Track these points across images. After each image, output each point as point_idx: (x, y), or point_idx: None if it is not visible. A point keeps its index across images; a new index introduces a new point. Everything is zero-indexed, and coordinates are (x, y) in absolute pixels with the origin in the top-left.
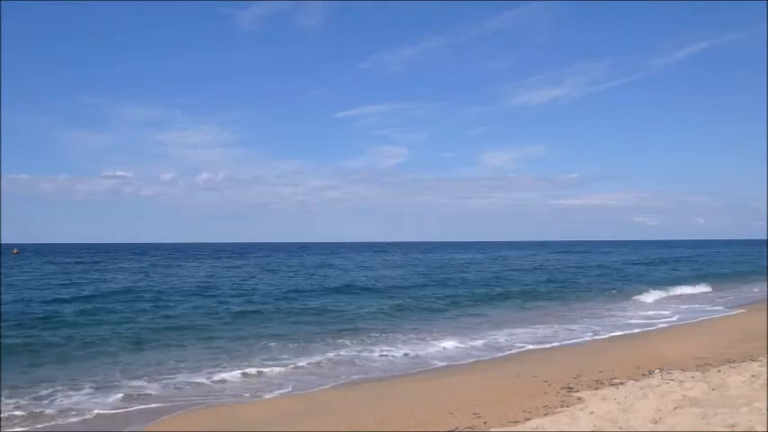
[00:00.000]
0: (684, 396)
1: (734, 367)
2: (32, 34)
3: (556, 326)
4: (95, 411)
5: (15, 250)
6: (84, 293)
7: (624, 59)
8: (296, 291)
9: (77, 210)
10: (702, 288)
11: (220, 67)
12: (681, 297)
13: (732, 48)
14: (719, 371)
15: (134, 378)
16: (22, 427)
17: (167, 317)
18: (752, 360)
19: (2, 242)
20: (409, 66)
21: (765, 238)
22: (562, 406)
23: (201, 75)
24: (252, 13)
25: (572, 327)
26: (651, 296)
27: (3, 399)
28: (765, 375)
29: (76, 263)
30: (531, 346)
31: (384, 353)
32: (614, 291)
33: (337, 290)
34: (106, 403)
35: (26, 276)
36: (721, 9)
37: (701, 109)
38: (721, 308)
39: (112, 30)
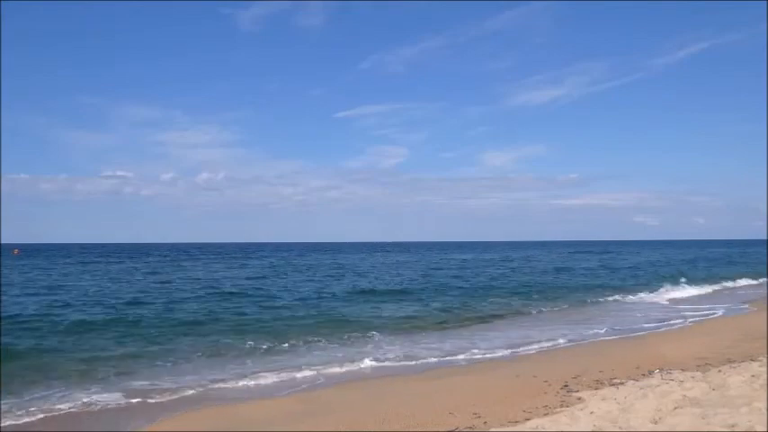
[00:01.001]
0: (684, 396)
1: (734, 367)
2: (32, 34)
3: (608, 329)
4: (96, 408)
5: (16, 250)
6: (89, 295)
7: (624, 59)
8: (321, 293)
9: (77, 210)
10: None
11: (220, 67)
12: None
13: (732, 48)
14: (720, 371)
15: (135, 378)
16: (24, 421)
17: (176, 318)
18: (752, 360)
19: (2, 242)
20: (409, 66)
21: (765, 238)
22: (562, 406)
23: (201, 75)
24: (252, 13)
25: (632, 326)
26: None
27: (3, 396)
28: (765, 375)
29: (81, 263)
30: (535, 348)
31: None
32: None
33: (363, 293)
34: (107, 400)
35: (32, 277)
36: (721, 9)
37: (701, 109)
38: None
39: (112, 30)
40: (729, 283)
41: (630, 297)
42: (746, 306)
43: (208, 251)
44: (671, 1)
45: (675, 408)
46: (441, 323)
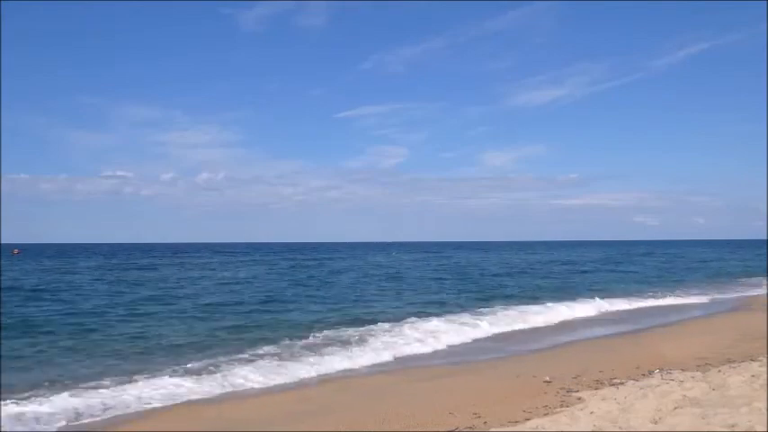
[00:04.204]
0: (684, 396)
1: (734, 367)
2: (32, 34)
3: None
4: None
5: (16, 250)
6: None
7: (624, 59)
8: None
9: (77, 210)
10: None
11: (220, 67)
12: None
13: (732, 48)
14: (720, 371)
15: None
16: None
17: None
18: (752, 360)
19: (2, 242)
20: (409, 66)
21: (765, 238)
22: (562, 406)
23: (201, 75)
24: (253, 14)
25: None
26: None
27: None
28: (765, 375)
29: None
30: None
31: None
32: None
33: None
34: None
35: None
36: (721, 9)
37: (701, 109)
38: None
39: (112, 30)
40: None
41: None
42: None
43: (217, 251)
44: (671, 1)
45: (675, 408)
46: None
